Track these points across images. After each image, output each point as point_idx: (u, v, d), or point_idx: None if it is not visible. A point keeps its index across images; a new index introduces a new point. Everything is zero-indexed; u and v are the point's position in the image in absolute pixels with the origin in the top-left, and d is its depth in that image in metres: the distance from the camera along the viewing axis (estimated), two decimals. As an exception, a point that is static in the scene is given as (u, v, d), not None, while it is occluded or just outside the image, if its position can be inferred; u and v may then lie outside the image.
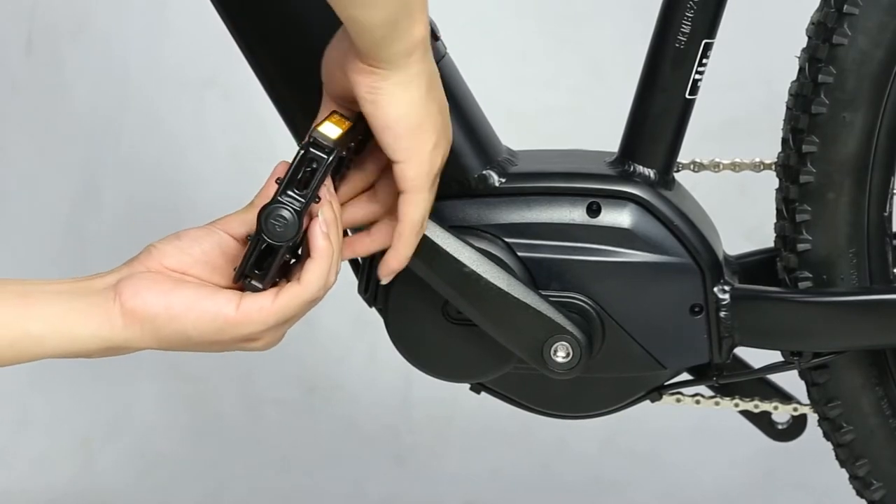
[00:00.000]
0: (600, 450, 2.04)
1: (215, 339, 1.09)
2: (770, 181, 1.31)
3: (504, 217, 1.24)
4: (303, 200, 1.09)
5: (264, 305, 1.08)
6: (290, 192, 1.09)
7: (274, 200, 1.08)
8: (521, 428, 2.03)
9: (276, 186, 1.10)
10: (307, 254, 1.10)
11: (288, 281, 1.11)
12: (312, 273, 1.09)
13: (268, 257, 1.10)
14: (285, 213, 1.08)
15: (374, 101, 1.08)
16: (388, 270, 1.16)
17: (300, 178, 1.09)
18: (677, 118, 1.25)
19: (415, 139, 1.09)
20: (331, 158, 1.09)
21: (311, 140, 1.09)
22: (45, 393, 2.08)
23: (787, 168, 1.27)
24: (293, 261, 1.14)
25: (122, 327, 1.07)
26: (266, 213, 1.08)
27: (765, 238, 1.36)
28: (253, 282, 1.10)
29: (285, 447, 2.06)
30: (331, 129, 1.10)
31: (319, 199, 1.09)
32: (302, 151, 1.09)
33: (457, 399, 2.02)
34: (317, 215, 1.09)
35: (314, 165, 1.09)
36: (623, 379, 1.29)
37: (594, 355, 1.24)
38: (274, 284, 1.11)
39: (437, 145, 1.11)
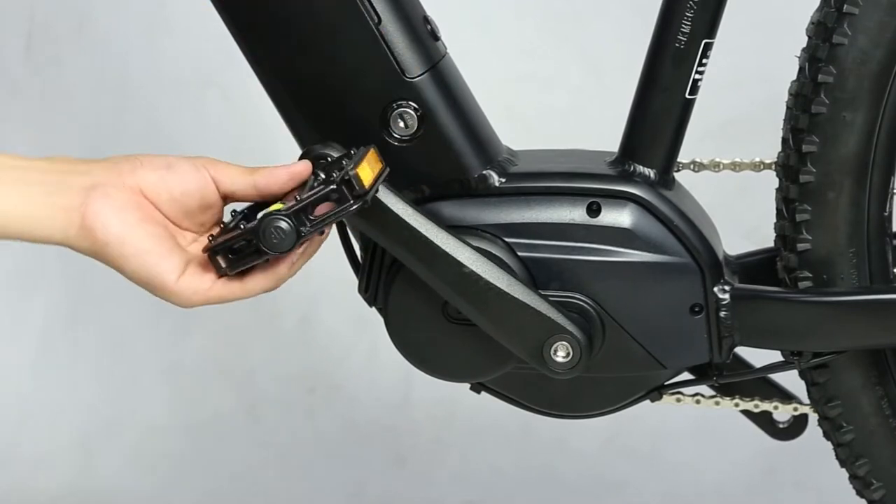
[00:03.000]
0: (600, 449, 2.03)
1: (145, 288, 1.12)
2: (770, 181, 1.31)
3: (504, 217, 1.24)
4: (309, 227, 1.08)
5: (199, 290, 1.11)
6: (300, 212, 1.09)
7: (284, 213, 1.08)
8: (521, 428, 2.03)
9: (286, 179, 1.10)
10: (265, 266, 1.12)
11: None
12: (259, 286, 1.13)
13: (246, 250, 1.10)
14: (287, 230, 1.08)
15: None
16: None
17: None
18: (677, 118, 1.25)
19: None
20: (357, 206, 1.09)
21: (346, 179, 1.09)
22: (45, 393, 2.08)
23: (788, 168, 1.27)
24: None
25: (74, 236, 1.11)
26: (269, 221, 1.08)
27: (765, 238, 1.36)
28: (219, 259, 1.10)
29: (285, 447, 2.06)
30: (367, 174, 1.10)
31: (323, 232, 1.10)
32: (332, 186, 1.09)
33: (457, 399, 2.01)
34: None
35: (335, 198, 1.09)
36: (623, 379, 1.29)
37: (594, 355, 1.24)
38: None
39: None
